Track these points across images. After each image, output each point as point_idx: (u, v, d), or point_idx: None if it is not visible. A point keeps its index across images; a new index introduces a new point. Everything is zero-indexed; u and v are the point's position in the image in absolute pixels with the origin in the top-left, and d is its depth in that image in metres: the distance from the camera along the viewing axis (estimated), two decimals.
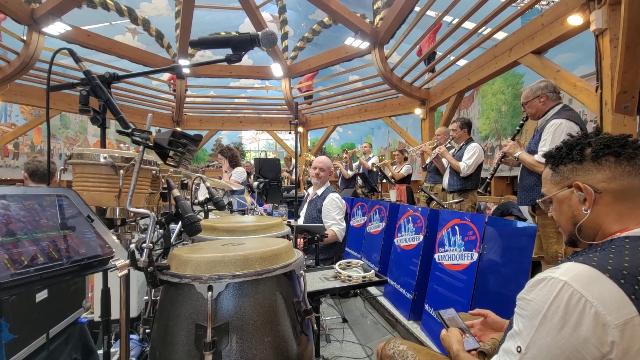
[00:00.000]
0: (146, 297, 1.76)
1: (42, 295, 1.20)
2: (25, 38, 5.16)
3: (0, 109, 7.33)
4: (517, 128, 2.74)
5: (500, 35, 4.55)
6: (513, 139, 2.67)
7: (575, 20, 3.10)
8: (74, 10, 5.10)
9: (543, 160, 2.31)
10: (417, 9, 4.85)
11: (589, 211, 0.81)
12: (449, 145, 3.94)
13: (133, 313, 1.94)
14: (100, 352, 1.54)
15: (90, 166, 1.00)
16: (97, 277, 1.47)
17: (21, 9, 4.86)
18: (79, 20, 5.94)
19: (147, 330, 0.94)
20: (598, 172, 0.81)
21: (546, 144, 2.29)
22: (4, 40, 5.45)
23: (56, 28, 5.20)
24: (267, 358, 0.84)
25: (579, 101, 3.30)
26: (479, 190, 3.23)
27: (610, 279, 0.68)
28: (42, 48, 5.30)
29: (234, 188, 2.38)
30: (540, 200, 0.95)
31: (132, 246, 0.82)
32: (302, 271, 1.01)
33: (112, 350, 1.35)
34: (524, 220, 3.94)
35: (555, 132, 2.27)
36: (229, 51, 1.14)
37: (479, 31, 4.49)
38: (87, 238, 0.81)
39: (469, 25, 4.63)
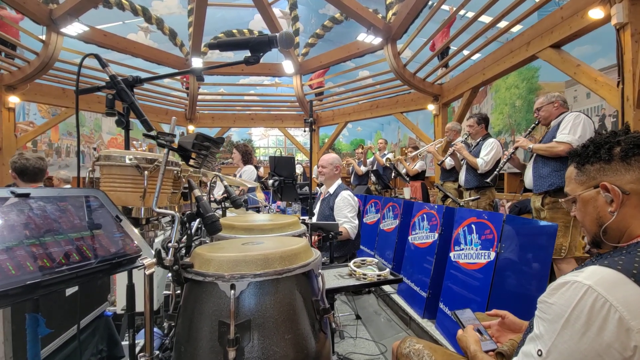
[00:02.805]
0: (165, 292, 1.81)
1: (71, 289, 1.26)
2: (44, 38, 5.30)
3: (18, 107, 7.55)
4: (529, 129, 2.92)
5: (516, 29, 4.45)
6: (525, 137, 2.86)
7: (596, 13, 3.02)
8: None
9: (561, 140, 2.44)
10: (430, 2, 4.77)
11: (615, 213, 0.79)
12: (462, 140, 3.89)
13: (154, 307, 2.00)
14: (124, 343, 1.60)
15: (116, 167, 1.04)
16: (121, 273, 1.53)
17: (39, 9, 4.97)
18: (94, 19, 6.06)
19: (172, 325, 0.98)
20: (627, 172, 0.79)
21: (567, 128, 2.46)
22: (23, 40, 5.60)
23: (74, 28, 5.31)
24: (287, 355, 0.86)
25: (599, 96, 3.22)
26: (487, 181, 3.26)
27: (635, 284, 0.67)
28: (61, 48, 5.42)
29: (249, 186, 2.41)
30: (563, 199, 0.94)
31: (158, 245, 0.85)
32: (320, 270, 1.03)
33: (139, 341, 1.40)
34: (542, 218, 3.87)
35: (575, 120, 2.45)
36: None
37: (494, 25, 4.40)
38: (116, 237, 0.85)
39: (484, 19, 4.54)
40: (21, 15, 5.21)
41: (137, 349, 1.51)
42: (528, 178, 2.75)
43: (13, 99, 5.77)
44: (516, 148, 2.90)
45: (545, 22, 3.74)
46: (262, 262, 0.89)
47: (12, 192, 0.77)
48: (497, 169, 3.16)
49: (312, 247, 1.28)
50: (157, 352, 1.27)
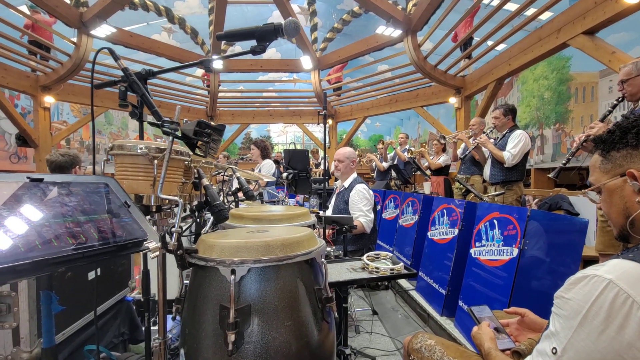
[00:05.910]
0: (186, 281, 1.88)
1: (93, 274, 1.33)
2: (75, 40, 5.58)
3: (53, 107, 8.01)
4: (609, 109, 2.44)
5: (544, 17, 4.22)
6: (602, 121, 2.36)
7: None
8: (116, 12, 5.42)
9: None
10: None
11: None
12: (486, 133, 3.74)
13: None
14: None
15: (128, 157, 1.08)
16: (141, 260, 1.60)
17: (70, 12, 5.23)
18: (120, 22, 6.31)
19: (179, 309, 1.01)
20: None
21: None
22: (56, 43, 5.91)
23: (103, 30, 5.56)
24: (287, 341, 0.87)
25: None
26: (550, 175, 2.68)
27: None
28: (91, 50, 5.69)
29: (267, 180, 2.43)
30: (586, 190, 0.87)
31: (164, 230, 0.87)
32: (323, 259, 1.02)
33: (155, 328, 1.46)
34: (576, 215, 3.66)
35: None
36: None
37: (522, 13, 4.19)
38: (124, 222, 0.88)
39: (510, 7, 4.33)
40: (54, 19, 5.51)
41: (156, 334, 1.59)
42: None
43: (48, 99, 6.12)
44: (588, 136, 2.31)
45: (577, 8, 3.53)
46: (263, 248, 0.90)
47: (28, 177, 0.81)
48: (565, 161, 2.57)
49: (326, 240, 1.27)
50: (170, 335, 1.31)
